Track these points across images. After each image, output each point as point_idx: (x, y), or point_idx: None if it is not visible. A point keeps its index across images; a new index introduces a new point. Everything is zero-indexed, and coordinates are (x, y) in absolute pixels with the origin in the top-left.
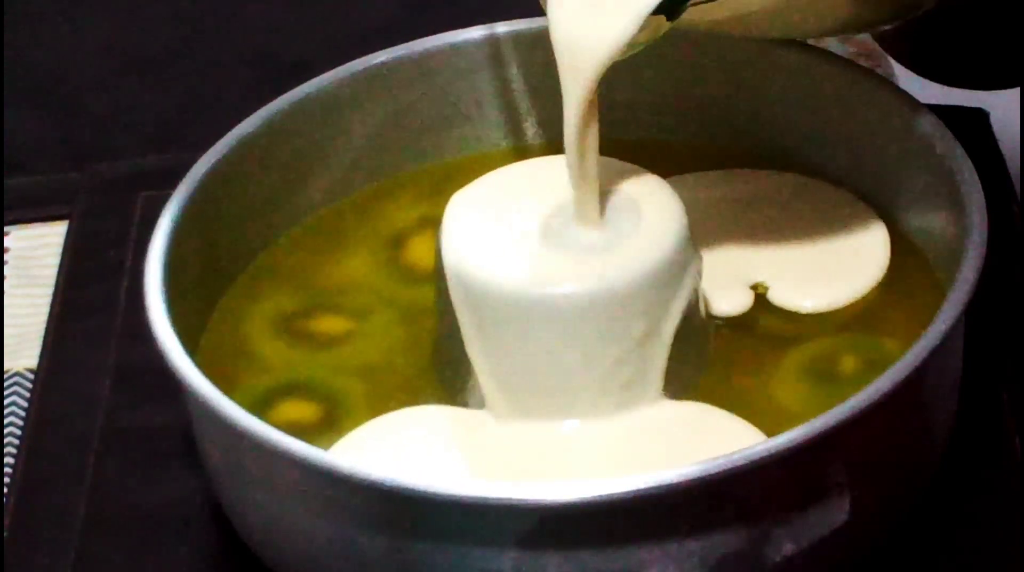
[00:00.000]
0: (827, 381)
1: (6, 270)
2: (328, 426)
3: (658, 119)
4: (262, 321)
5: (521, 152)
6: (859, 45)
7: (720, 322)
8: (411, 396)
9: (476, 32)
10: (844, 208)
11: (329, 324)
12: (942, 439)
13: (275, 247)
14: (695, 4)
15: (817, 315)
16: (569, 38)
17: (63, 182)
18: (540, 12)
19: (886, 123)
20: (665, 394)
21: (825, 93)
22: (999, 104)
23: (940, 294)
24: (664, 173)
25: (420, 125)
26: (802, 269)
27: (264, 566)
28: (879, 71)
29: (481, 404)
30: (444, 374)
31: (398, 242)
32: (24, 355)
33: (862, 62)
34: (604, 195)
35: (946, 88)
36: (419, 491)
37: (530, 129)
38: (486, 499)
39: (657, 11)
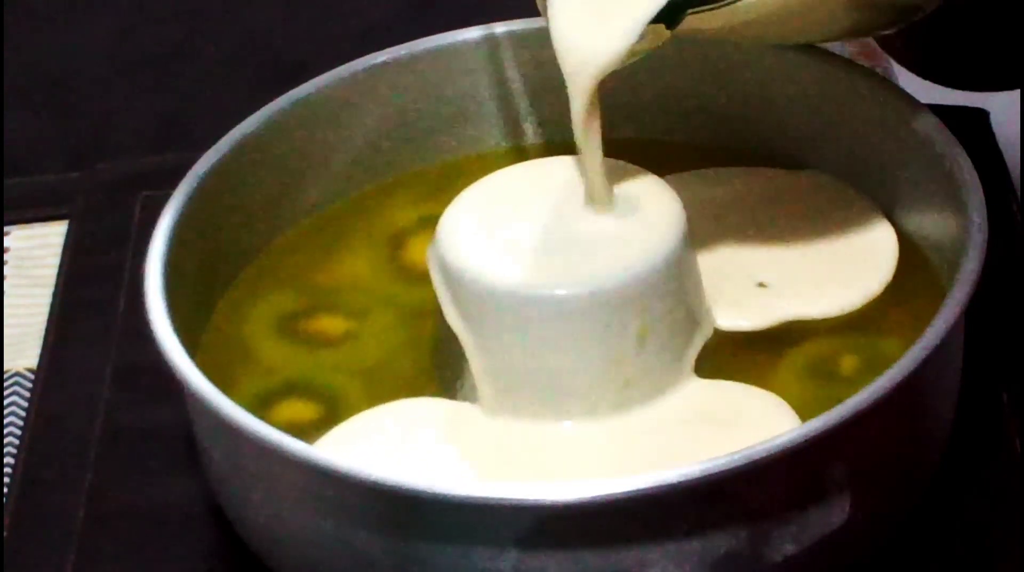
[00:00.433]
0: (827, 381)
1: (6, 270)
2: (328, 426)
3: (658, 119)
4: (262, 321)
5: (521, 152)
6: (859, 45)
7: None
8: (411, 396)
9: (476, 32)
10: (851, 208)
11: (329, 324)
12: (942, 439)
13: (275, 247)
14: (694, 13)
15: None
16: (570, 47)
17: (63, 182)
18: (539, 12)
19: (886, 123)
20: (665, 392)
21: (825, 93)
22: (999, 104)
23: (940, 294)
24: (664, 173)
25: (420, 125)
26: (807, 271)
27: (264, 566)
28: (879, 71)
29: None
30: (444, 374)
31: (398, 242)
32: (24, 355)
33: (862, 62)
34: None
35: (946, 88)
36: (419, 491)
37: (530, 129)
38: (486, 499)
39: (656, 20)
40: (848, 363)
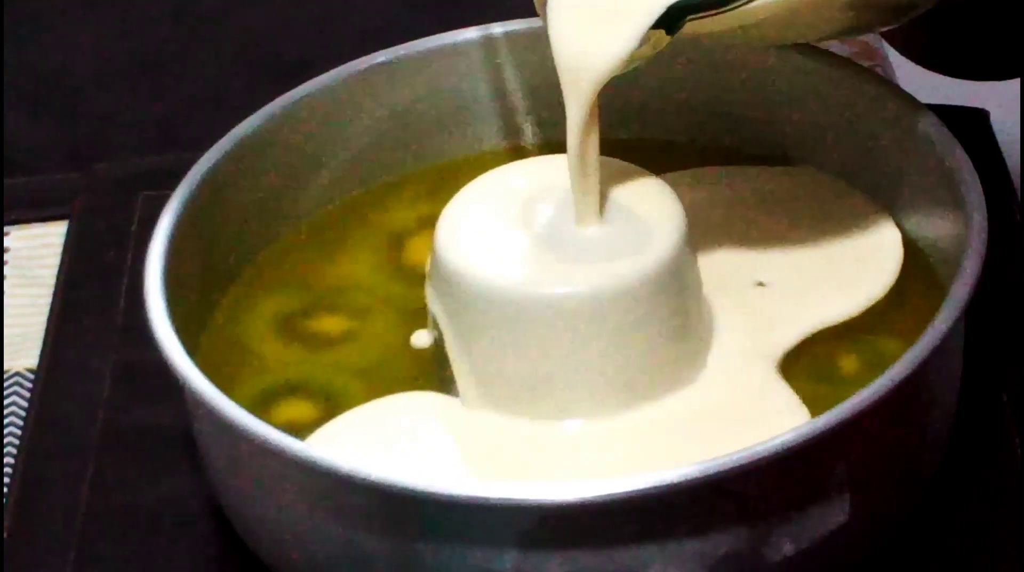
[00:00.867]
0: (827, 381)
1: (6, 270)
2: None
3: (658, 119)
4: (262, 321)
5: (520, 152)
6: (859, 45)
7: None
8: None
9: (476, 32)
10: (854, 208)
11: (329, 324)
12: (942, 439)
13: (275, 247)
14: (694, 19)
15: None
16: (569, 53)
17: (63, 182)
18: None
19: (886, 123)
20: (665, 393)
21: (825, 93)
22: (999, 104)
23: (940, 294)
24: (664, 173)
25: (420, 125)
26: (808, 271)
27: (264, 566)
28: (879, 71)
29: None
30: (444, 374)
31: (398, 242)
32: (24, 355)
33: (862, 62)
34: (603, 195)
35: (946, 88)
36: (419, 491)
37: (529, 129)
38: (486, 499)
39: (656, 25)
40: (848, 363)
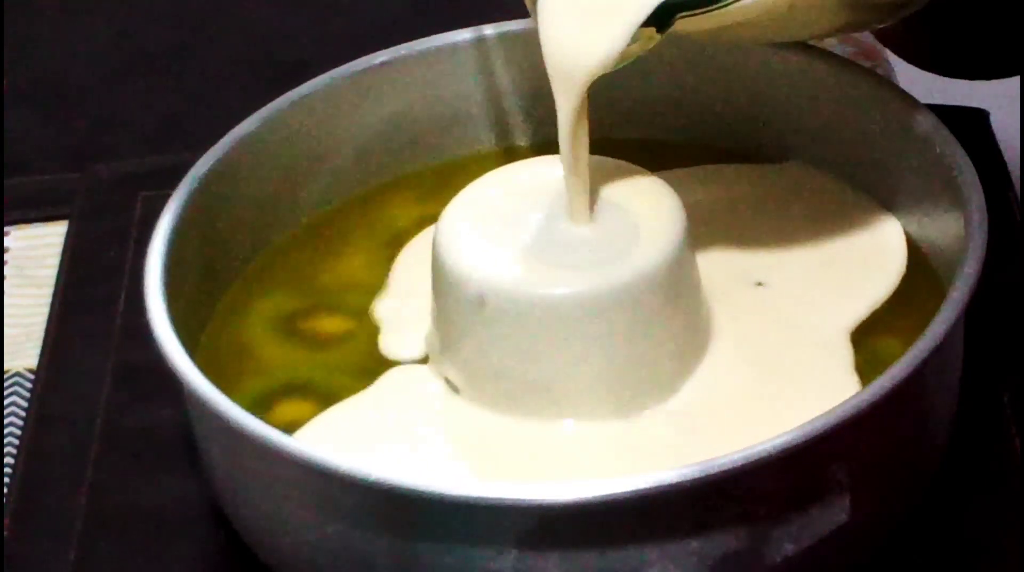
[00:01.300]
0: None
1: (6, 270)
2: None
3: (658, 119)
4: (262, 321)
5: (520, 152)
6: (859, 45)
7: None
8: None
9: (475, 33)
10: (855, 207)
11: (329, 324)
12: (942, 439)
13: (275, 247)
14: (684, 16)
15: None
16: (559, 52)
17: (63, 182)
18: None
19: (886, 123)
20: (664, 393)
21: (825, 93)
22: (999, 104)
23: (940, 294)
24: (664, 173)
25: (420, 125)
26: (808, 272)
27: (264, 566)
28: (879, 71)
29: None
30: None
31: (398, 242)
32: (24, 355)
33: (862, 62)
34: (603, 195)
35: (946, 88)
36: (419, 491)
37: (529, 129)
38: (486, 499)
39: (647, 23)
40: None
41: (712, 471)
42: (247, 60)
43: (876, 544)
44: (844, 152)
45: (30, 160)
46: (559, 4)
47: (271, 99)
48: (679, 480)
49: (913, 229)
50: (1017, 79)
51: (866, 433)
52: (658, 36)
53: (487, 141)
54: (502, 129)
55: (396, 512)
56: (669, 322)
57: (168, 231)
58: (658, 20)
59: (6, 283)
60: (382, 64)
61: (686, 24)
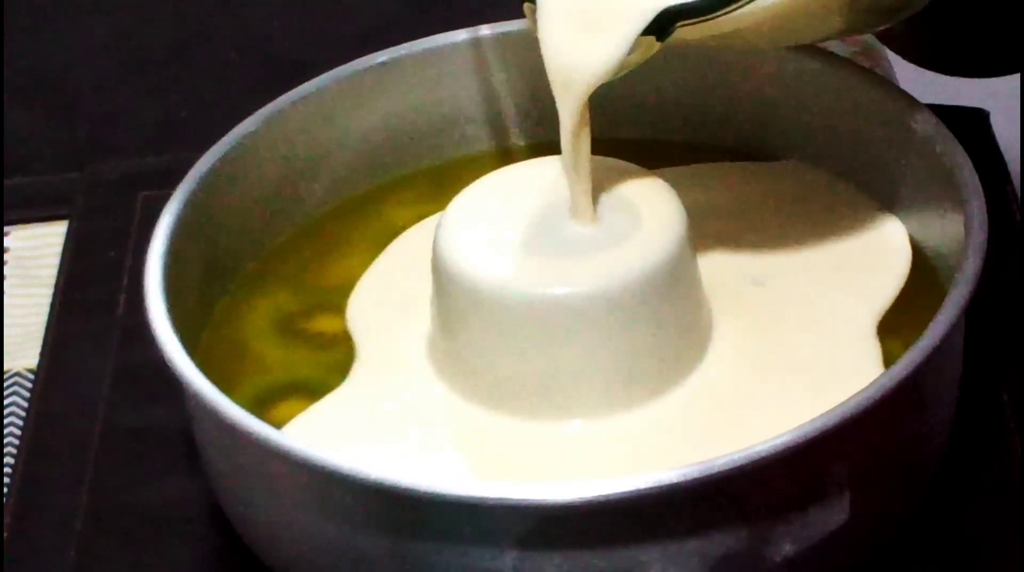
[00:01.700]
0: None
1: (6, 270)
2: None
3: (658, 119)
4: (262, 321)
5: (521, 152)
6: (859, 45)
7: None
8: None
9: (475, 32)
10: (856, 206)
11: (329, 324)
12: (942, 439)
13: (275, 247)
14: (684, 25)
15: None
16: (560, 61)
17: (63, 182)
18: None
19: (886, 123)
20: (664, 392)
21: (825, 93)
22: (999, 104)
23: (940, 294)
24: (663, 171)
25: (420, 125)
26: (810, 273)
27: (264, 566)
28: (879, 71)
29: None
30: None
31: None
32: (24, 355)
33: (862, 62)
34: (604, 195)
35: (946, 88)
36: (419, 491)
37: (530, 128)
38: (486, 499)
39: (647, 32)
40: None
41: (712, 471)
42: (247, 60)
43: (876, 544)
44: (844, 152)
45: (30, 160)
46: (559, 14)
47: (271, 99)
48: (679, 480)
49: (913, 229)
50: (1017, 79)
51: (866, 433)
52: (658, 44)
53: (487, 141)
54: (502, 129)
55: (396, 512)
56: (670, 321)
57: (168, 231)
58: (658, 29)
59: (6, 283)
60: (382, 64)
61: (685, 33)
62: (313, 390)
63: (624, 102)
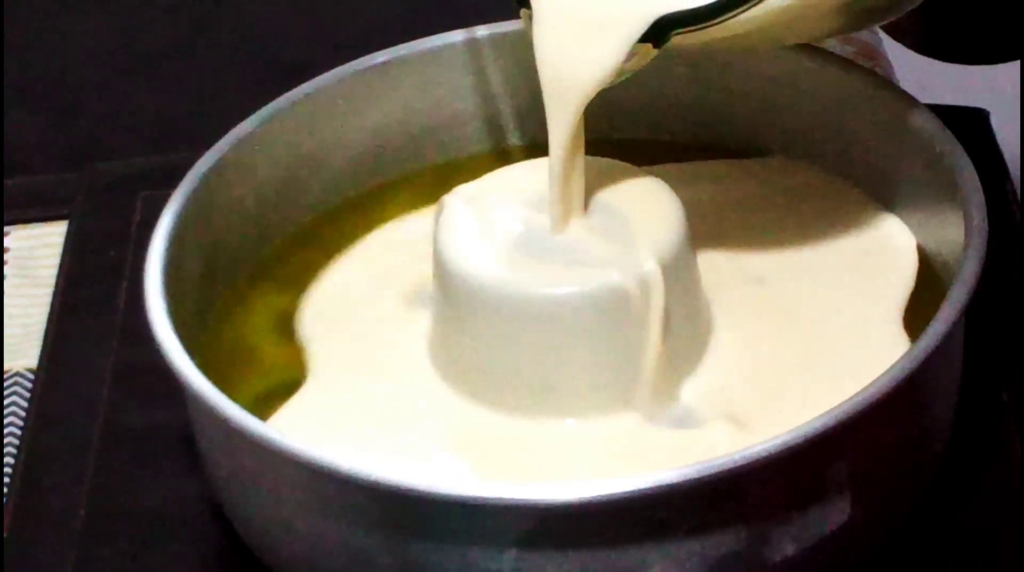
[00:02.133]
0: None
1: (6, 270)
2: None
3: (658, 119)
4: (262, 321)
5: (521, 152)
6: (859, 45)
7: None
8: None
9: (476, 32)
10: (857, 205)
11: None
12: (942, 439)
13: (275, 247)
14: (680, 32)
15: None
16: (555, 69)
17: (63, 182)
18: None
19: (886, 123)
20: (663, 393)
21: (824, 93)
22: (999, 104)
23: (940, 294)
24: (662, 168)
25: (420, 125)
26: (810, 272)
27: (264, 566)
28: (879, 71)
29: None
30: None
31: None
32: (24, 355)
33: (862, 62)
34: (602, 194)
35: (946, 88)
36: (419, 491)
37: (530, 129)
38: (486, 499)
39: (643, 39)
40: None
41: (712, 471)
42: (247, 60)
43: (876, 544)
44: (844, 152)
45: (30, 160)
46: (555, 21)
47: (271, 99)
48: (679, 480)
49: (913, 229)
50: (1017, 79)
51: (866, 433)
52: (654, 52)
53: (486, 141)
54: (502, 129)
55: (396, 512)
56: (670, 320)
57: (168, 231)
58: (655, 36)
59: (6, 283)
60: (382, 64)
61: (683, 39)
62: None
63: (622, 102)
